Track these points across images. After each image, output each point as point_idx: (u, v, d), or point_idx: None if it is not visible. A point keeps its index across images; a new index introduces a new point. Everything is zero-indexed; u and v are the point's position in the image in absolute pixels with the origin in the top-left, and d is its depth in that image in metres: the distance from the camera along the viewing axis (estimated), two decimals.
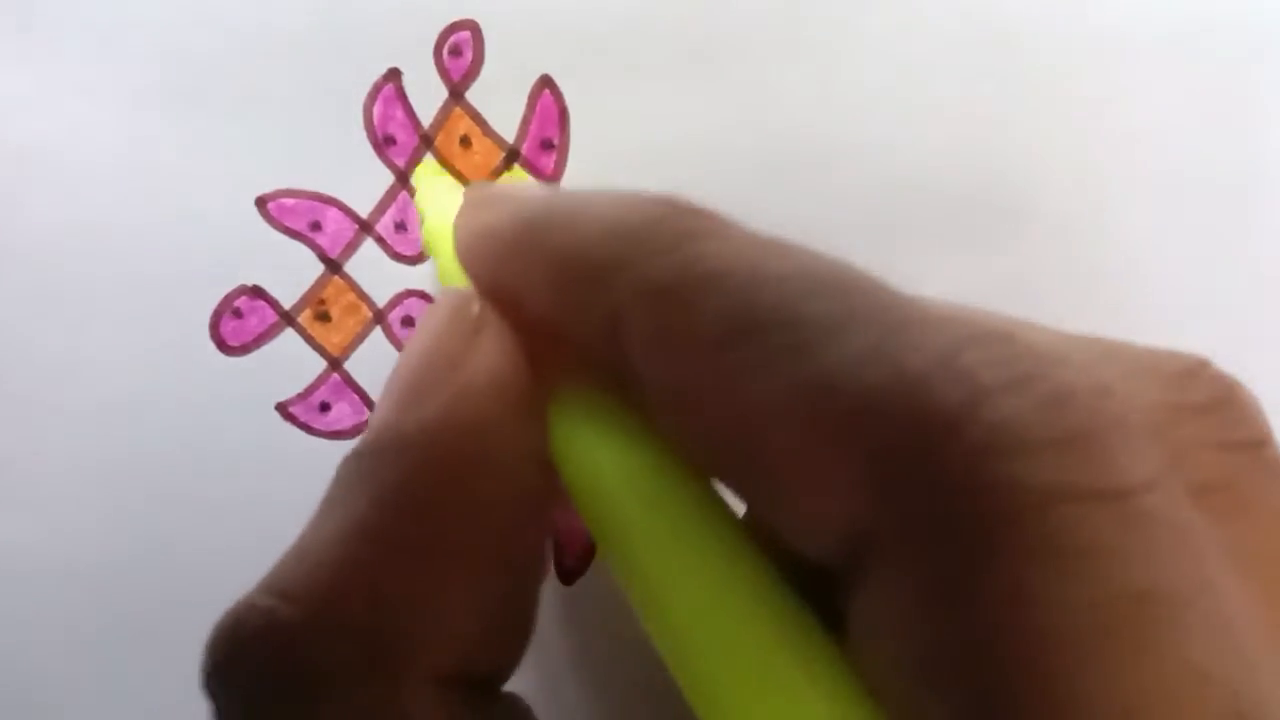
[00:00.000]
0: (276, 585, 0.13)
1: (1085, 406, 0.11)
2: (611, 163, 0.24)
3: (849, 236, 0.25)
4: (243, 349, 0.25)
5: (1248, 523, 0.12)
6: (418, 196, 0.24)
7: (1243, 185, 0.25)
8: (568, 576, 0.25)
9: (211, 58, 0.24)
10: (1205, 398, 0.13)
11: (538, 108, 0.24)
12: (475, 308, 0.15)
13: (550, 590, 0.25)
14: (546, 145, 0.24)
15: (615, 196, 0.14)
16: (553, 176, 0.25)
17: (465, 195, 0.18)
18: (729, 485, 0.13)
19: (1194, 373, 0.13)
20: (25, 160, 0.24)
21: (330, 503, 0.14)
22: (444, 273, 0.19)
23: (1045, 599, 0.10)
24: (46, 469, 0.25)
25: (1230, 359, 0.25)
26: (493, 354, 0.15)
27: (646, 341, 0.13)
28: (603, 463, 0.14)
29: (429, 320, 0.16)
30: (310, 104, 0.24)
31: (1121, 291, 0.25)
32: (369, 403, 0.25)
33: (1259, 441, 0.13)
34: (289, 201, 0.25)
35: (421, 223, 0.24)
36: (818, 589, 0.12)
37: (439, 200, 0.22)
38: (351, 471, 0.14)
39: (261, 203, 0.25)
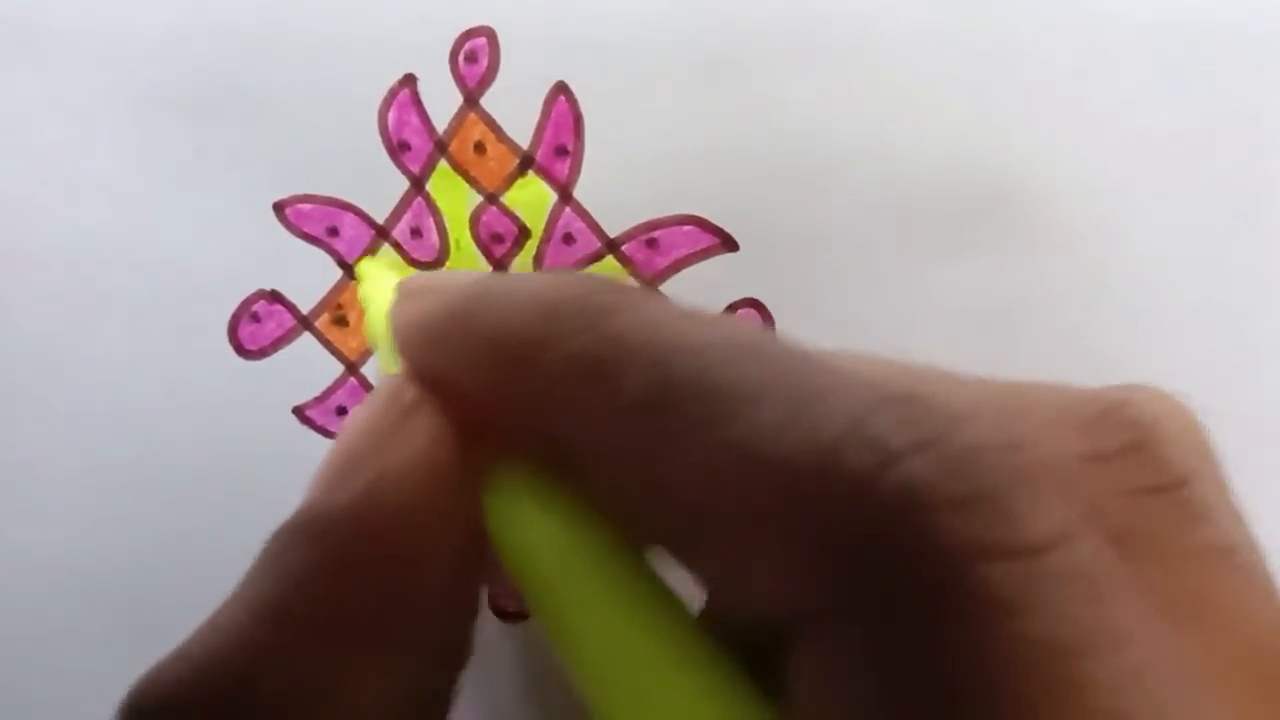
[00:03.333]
0: (185, 654, 0.14)
1: (991, 464, 0.11)
2: (625, 169, 0.25)
3: (859, 244, 0.25)
4: (260, 353, 0.25)
5: (1163, 567, 0.12)
6: (361, 289, 0.24)
7: (1250, 193, 0.25)
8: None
9: (227, 64, 0.24)
10: (1119, 443, 0.13)
11: (552, 114, 0.24)
12: (409, 394, 0.16)
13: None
14: (561, 152, 0.25)
15: (541, 278, 0.15)
16: (567, 183, 0.25)
17: (399, 287, 0.18)
18: (670, 554, 0.13)
19: (1108, 415, 0.13)
20: (43, 167, 0.25)
21: (247, 579, 0.14)
22: (384, 361, 0.20)
23: (959, 658, 0.10)
24: (64, 472, 0.25)
25: (1236, 365, 0.25)
26: (420, 438, 0.15)
27: (572, 416, 0.13)
28: (536, 540, 0.14)
29: (364, 405, 0.16)
30: (326, 110, 0.24)
31: (1128, 298, 0.25)
32: None
33: (1175, 483, 0.13)
34: (306, 207, 0.25)
35: (364, 314, 0.24)
36: (764, 655, 0.12)
37: (379, 292, 0.22)
38: (270, 549, 0.15)
39: (279, 208, 0.25)
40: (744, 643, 0.13)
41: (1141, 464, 0.13)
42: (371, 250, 0.25)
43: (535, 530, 0.14)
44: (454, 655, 0.15)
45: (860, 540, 0.11)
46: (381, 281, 0.23)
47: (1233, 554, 0.13)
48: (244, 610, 0.14)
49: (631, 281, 0.25)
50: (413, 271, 0.25)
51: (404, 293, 0.18)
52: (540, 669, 0.25)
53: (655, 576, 0.14)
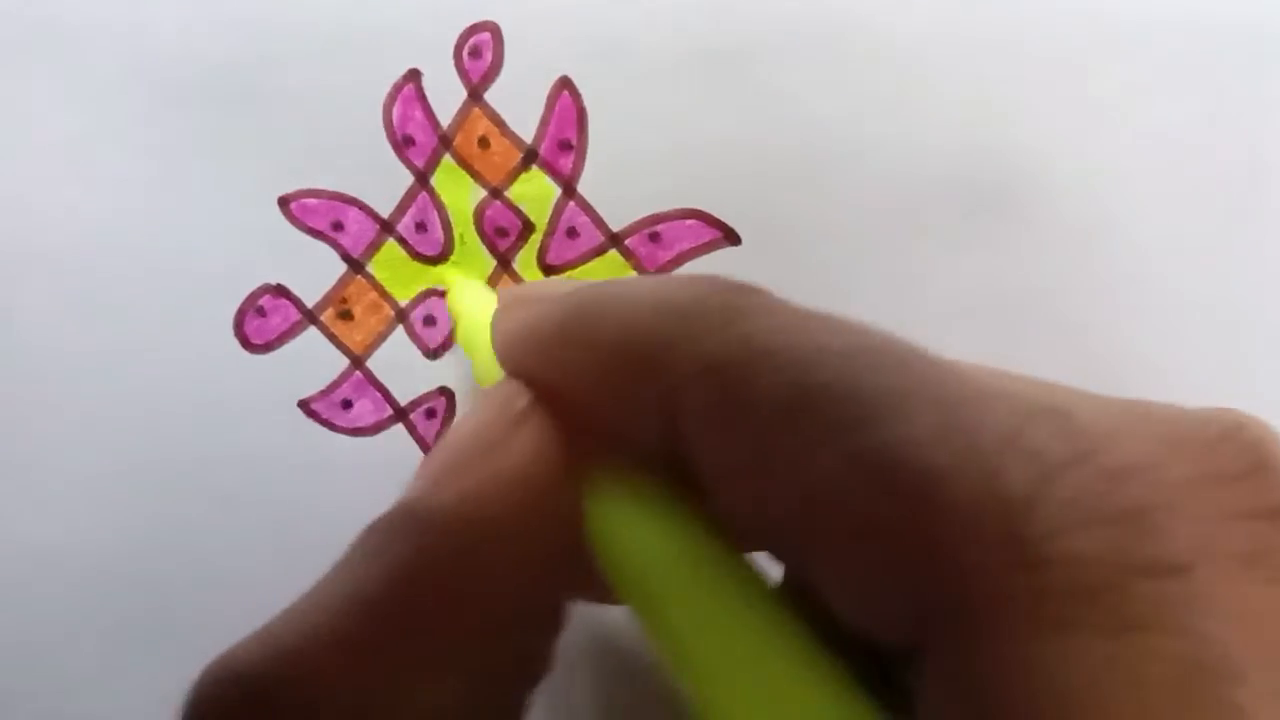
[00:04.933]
0: (272, 641, 0.13)
1: (1142, 481, 0.11)
2: (628, 163, 0.25)
3: (862, 238, 0.25)
4: (266, 347, 0.25)
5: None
6: (450, 299, 0.24)
7: (1253, 186, 0.25)
8: None
9: (232, 59, 0.25)
10: (1239, 465, 0.13)
11: (556, 109, 0.25)
12: (521, 401, 0.16)
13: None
14: (564, 146, 0.25)
15: (659, 281, 0.15)
16: (570, 177, 0.25)
17: (501, 296, 0.18)
18: (788, 563, 0.13)
19: (1228, 438, 0.13)
20: (48, 162, 0.25)
21: (343, 567, 0.14)
22: (481, 372, 0.20)
23: (1115, 673, 0.10)
24: (70, 466, 0.25)
25: (1239, 357, 0.25)
26: (529, 445, 0.15)
27: (704, 418, 0.13)
28: (641, 547, 0.14)
29: (476, 408, 0.16)
30: (331, 104, 0.25)
31: (1132, 291, 0.25)
32: (390, 400, 0.25)
33: None
34: (311, 201, 0.25)
35: (455, 326, 0.24)
36: (872, 664, 0.12)
37: (471, 302, 0.22)
38: (369, 541, 0.14)
39: (284, 202, 0.25)
40: (848, 649, 0.13)
41: (1261, 487, 0.13)
42: (377, 245, 0.25)
43: (641, 536, 0.14)
44: (536, 667, 0.15)
45: (1017, 552, 0.10)
46: (474, 292, 0.23)
47: None
48: (334, 601, 0.13)
49: (635, 276, 0.25)
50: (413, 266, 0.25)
51: (508, 301, 0.18)
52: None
53: (763, 581, 0.13)
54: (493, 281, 0.25)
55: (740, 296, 0.13)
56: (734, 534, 0.14)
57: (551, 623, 0.16)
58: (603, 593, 0.15)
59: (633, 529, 0.14)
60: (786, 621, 0.13)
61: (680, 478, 0.14)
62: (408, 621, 0.13)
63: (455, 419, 0.25)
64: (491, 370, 0.18)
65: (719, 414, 0.13)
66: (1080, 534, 0.10)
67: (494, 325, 0.18)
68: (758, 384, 0.12)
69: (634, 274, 0.25)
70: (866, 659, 0.12)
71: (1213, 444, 0.13)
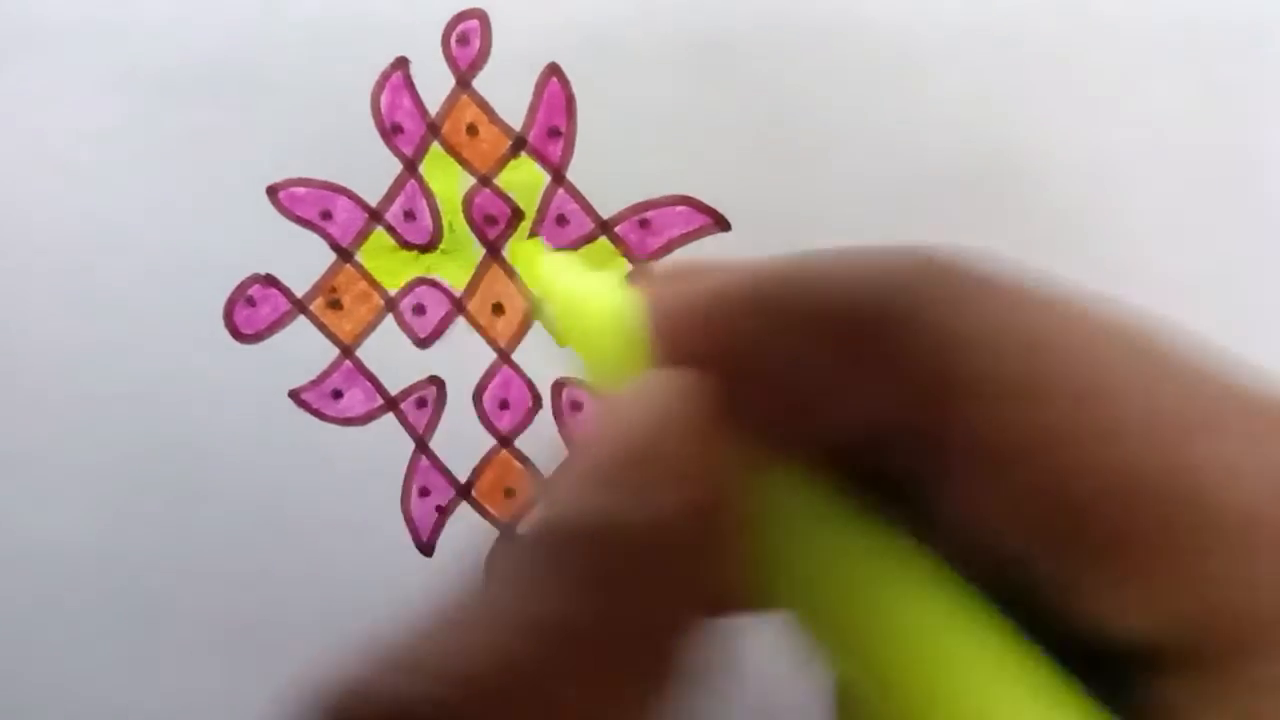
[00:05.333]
0: (413, 661, 0.12)
1: None
2: (617, 150, 0.25)
3: (851, 223, 0.25)
4: (256, 337, 0.25)
5: None
6: (536, 278, 0.21)
7: (1245, 174, 0.25)
8: None
9: (221, 49, 0.24)
10: None
11: (544, 96, 0.25)
12: (695, 395, 0.13)
13: None
14: (553, 133, 0.25)
15: (869, 251, 0.13)
16: (559, 164, 0.25)
17: (656, 269, 0.16)
18: (1024, 559, 0.12)
19: None
20: (40, 154, 0.25)
21: (502, 585, 0.12)
22: (599, 363, 0.16)
23: None
24: (63, 457, 0.25)
25: (1229, 338, 0.25)
26: (720, 447, 0.13)
27: (930, 401, 0.12)
28: (831, 557, 0.13)
29: (628, 405, 0.14)
30: (319, 94, 0.25)
31: (1125, 280, 0.25)
32: (380, 390, 0.25)
33: None
34: (300, 191, 0.25)
35: (538, 308, 0.23)
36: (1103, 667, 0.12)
37: (574, 282, 0.18)
38: (535, 556, 0.13)
39: (273, 192, 0.25)
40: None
41: None
42: (365, 234, 0.25)
43: (828, 543, 0.13)
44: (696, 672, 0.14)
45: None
46: (566, 266, 0.18)
47: None
48: (503, 620, 0.12)
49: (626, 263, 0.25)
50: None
51: (666, 274, 0.15)
52: None
53: (964, 583, 0.12)
54: (481, 270, 0.25)
55: (973, 268, 0.12)
56: (943, 530, 0.12)
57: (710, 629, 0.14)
58: (750, 600, 0.14)
59: (816, 533, 0.13)
60: (999, 627, 0.12)
61: (862, 471, 0.12)
62: (593, 644, 0.12)
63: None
64: (615, 360, 0.15)
65: (959, 395, 0.11)
66: None
67: (649, 298, 0.15)
68: (1016, 368, 0.11)
69: (623, 261, 0.25)
70: (1092, 663, 0.12)
71: None
